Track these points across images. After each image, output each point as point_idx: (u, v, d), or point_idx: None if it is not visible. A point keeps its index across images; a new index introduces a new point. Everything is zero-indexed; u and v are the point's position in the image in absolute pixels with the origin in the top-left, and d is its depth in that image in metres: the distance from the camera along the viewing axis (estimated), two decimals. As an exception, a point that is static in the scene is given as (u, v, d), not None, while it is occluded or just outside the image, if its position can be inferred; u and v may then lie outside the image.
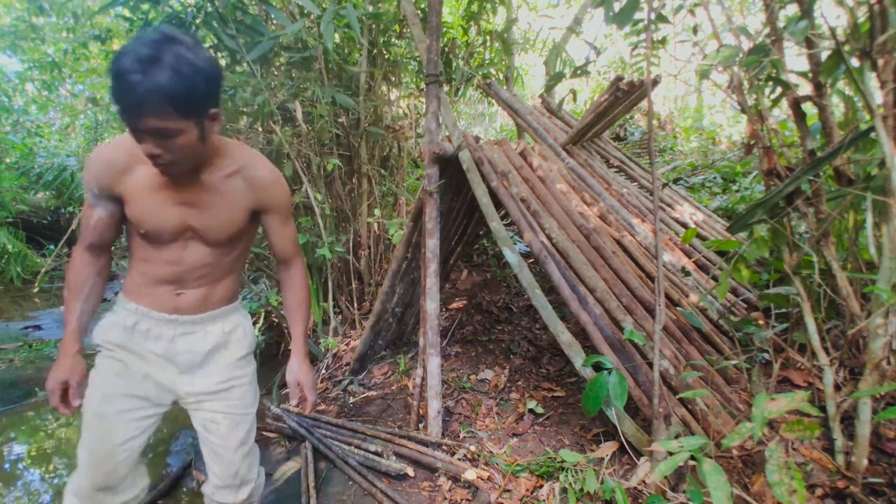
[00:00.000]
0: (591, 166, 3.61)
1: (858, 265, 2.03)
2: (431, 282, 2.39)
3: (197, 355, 1.35)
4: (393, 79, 4.13)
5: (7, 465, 2.47)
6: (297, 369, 1.45)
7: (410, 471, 2.06)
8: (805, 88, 2.00)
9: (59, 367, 1.25)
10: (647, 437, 1.91)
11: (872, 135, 1.57)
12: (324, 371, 3.18)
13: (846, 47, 1.59)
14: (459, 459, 2.06)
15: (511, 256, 2.29)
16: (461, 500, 1.92)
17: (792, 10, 1.96)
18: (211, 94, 1.06)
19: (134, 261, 1.31)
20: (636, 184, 3.95)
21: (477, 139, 2.74)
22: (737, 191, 4.90)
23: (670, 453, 1.34)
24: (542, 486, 1.91)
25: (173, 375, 1.35)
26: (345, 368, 3.16)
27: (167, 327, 1.32)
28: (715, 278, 2.90)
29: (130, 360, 1.31)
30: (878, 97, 1.58)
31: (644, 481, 1.72)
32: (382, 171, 4.01)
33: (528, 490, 1.90)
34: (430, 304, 2.38)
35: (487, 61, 4.65)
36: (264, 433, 2.58)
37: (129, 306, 1.31)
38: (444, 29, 4.34)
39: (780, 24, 1.82)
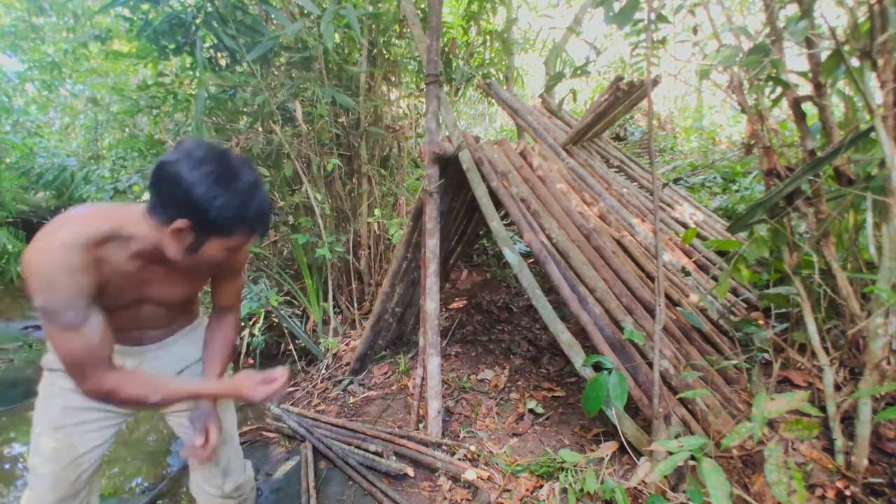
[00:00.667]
0: (591, 166, 3.61)
1: (858, 265, 2.03)
2: (431, 282, 2.39)
3: (170, 370, 1.33)
4: (393, 79, 4.13)
5: (7, 465, 2.47)
6: (207, 409, 1.27)
7: (410, 471, 2.06)
8: (805, 88, 2.00)
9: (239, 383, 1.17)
10: (647, 437, 1.91)
11: (872, 135, 1.57)
12: (324, 371, 3.18)
13: (846, 47, 1.59)
14: (459, 459, 2.06)
15: (511, 256, 2.29)
16: (461, 500, 1.92)
17: (792, 10, 1.96)
18: None
19: None
20: (636, 184, 3.95)
21: (477, 139, 2.74)
22: (737, 191, 4.90)
23: (670, 453, 1.34)
24: (542, 486, 1.91)
25: None
26: (345, 368, 3.16)
27: (131, 358, 1.27)
28: (715, 278, 2.90)
29: None
30: (878, 97, 1.58)
31: (644, 481, 1.72)
32: (382, 171, 4.01)
33: (528, 490, 1.90)
34: (430, 304, 2.38)
35: (487, 61, 4.65)
36: (264, 433, 2.58)
37: None
38: (444, 29, 4.34)
39: (780, 24, 1.82)
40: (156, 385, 1.09)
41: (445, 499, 1.93)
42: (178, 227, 0.99)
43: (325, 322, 3.62)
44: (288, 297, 3.72)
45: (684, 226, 3.53)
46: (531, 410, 2.47)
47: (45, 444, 1.21)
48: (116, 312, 1.12)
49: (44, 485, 1.21)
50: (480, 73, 4.44)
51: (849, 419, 1.80)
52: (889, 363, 1.66)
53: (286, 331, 3.50)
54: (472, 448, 2.13)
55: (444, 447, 2.18)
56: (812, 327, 1.81)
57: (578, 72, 2.42)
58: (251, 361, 3.52)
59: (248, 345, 3.41)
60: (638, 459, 1.87)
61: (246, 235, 1.07)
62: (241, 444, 2.49)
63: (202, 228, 1.00)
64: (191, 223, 0.98)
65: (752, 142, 2.04)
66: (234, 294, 1.38)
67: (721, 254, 3.15)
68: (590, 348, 2.15)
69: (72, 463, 1.22)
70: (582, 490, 1.77)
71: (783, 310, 2.43)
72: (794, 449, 1.79)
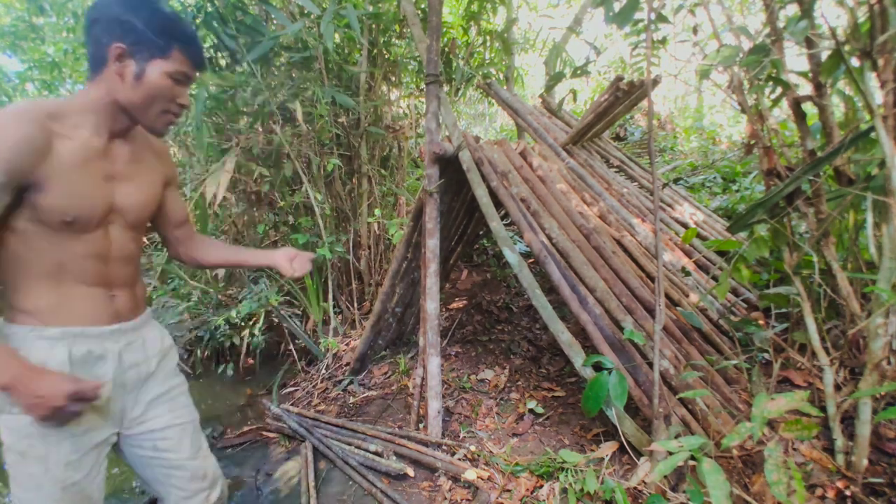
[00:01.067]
0: (591, 166, 3.61)
1: (858, 265, 2.03)
2: (431, 282, 2.39)
3: (143, 370, 1.20)
4: (393, 79, 4.14)
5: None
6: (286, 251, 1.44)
7: (410, 471, 2.06)
8: (805, 88, 2.00)
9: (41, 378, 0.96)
10: (647, 437, 1.91)
11: (872, 135, 1.57)
12: (324, 371, 3.18)
13: (846, 47, 1.59)
14: (459, 459, 2.06)
15: (511, 256, 2.29)
16: (461, 500, 1.92)
17: (792, 10, 1.96)
18: None
19: (36, 270, 1.02)
20: (636, 184, 3.95)
21: (477, 139, 2.74)
22: (737, 191, 4.90)
23: (670, 453, 1.34)
24: (542, 486, 1.91)
25: (120, 402, 1.17)
26: (345, 368, 3.16)
27: (110, 342, 1.11)
28: (715, 278, 2.90)
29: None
30: (878, 97, 1.58)
31: (644, 481, 1.72)
32: (382, 171, 4.01)
33: (528, 490, 1.90)
34: (430, 304, 2.38)
35: (487, 61, 4.65)
36: (264, 433, 2.58)
37: (49, 333, 1.03)
38: (444, 29, 4.34)
39: (780, 24, 1.82)
40: None
41: (445, 499, 1.93)
42: (118, 53, 1.01)
43: (325, 322, 3.62)
44: (288, 297, 3.72)
45: (684, 226, 3.53)
46: (531, 410, 2.47)
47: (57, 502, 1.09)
48: (85, 241, 1.05)
49: None
50: (480, 73, 4.44)
51: (849, 419, 1.80)
52: (889, 363, 1.66)
53: (286, 331, 3.50)
54: (472, 448, 2.13)
55: (444, 447, 2.18)
56: (812, 327, 1.81)
57: (578, 72, 2.42)
58: (251, 361, 3.52)
59: (249, 345, 3.41)
60: (638, 459, 1.87)
61: (182, 58, 1.07)
62: (242, 444, 2.53)
63: (138, 48, 1.02)
64: (125, 44, 1.01)
65: (752, 142, 2.04)
66: (184, 206, 1.41)
67: (721, 254, 3.15)
68: (590, 348, 2.15)
69: None
70: (582, 490, 1.77)
71: (783, 310, 2.43)
72: (794, 449, 1.79)
